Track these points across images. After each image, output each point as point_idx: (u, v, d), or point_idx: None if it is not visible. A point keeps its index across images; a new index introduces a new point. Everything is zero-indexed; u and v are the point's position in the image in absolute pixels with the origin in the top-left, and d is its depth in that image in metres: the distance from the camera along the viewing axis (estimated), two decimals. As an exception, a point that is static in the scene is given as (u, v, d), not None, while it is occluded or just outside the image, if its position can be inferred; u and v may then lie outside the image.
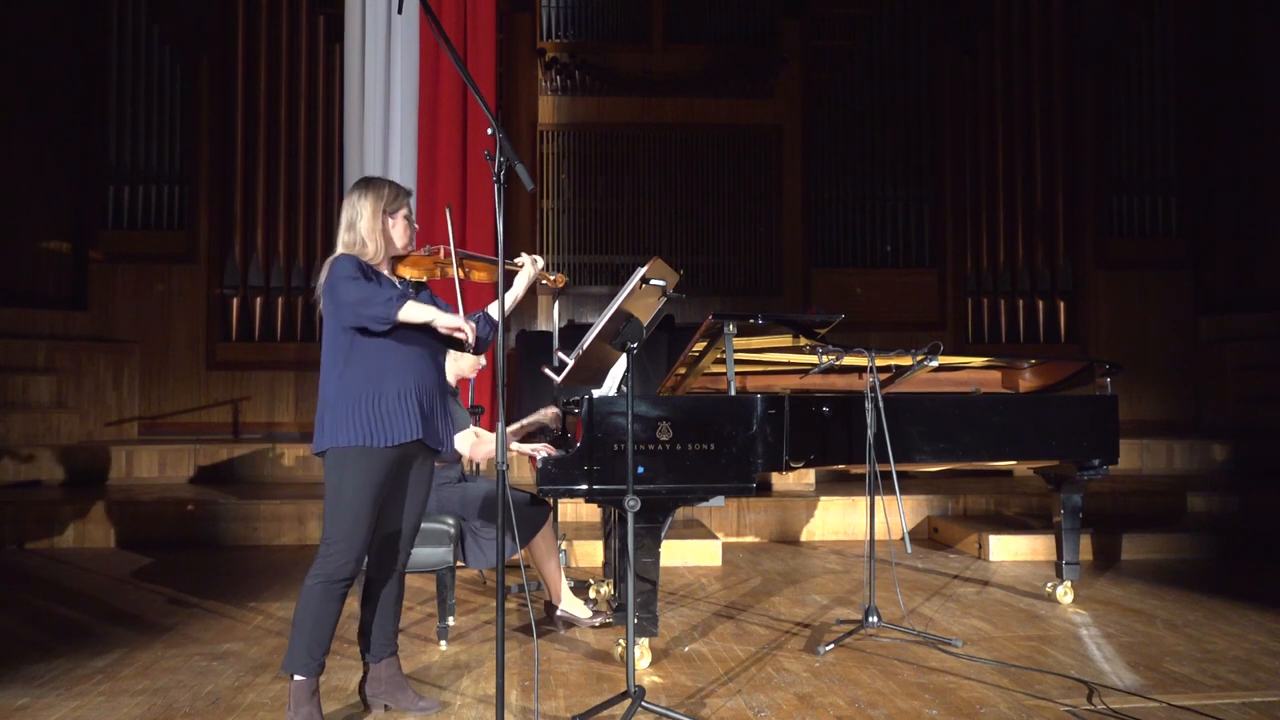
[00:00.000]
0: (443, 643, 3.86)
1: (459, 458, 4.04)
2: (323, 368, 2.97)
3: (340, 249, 3.02)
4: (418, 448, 3.03)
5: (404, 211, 3.07)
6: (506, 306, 3.19)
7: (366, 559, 3.10)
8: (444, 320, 2.94)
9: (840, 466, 3.99)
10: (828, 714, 3.09)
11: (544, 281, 3.26)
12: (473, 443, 3.88)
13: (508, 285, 3.17)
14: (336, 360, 2.94)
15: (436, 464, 3.90)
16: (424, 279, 3.14)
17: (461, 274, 3.13)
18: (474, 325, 3.01)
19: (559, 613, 4.12)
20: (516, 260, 3.18)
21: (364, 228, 3.00)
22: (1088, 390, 4.44)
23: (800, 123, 9.48)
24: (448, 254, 3.11)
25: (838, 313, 3.93)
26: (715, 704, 3.18)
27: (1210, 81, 9.24)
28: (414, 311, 2.89)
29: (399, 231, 3.06)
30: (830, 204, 9.44)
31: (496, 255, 2.79)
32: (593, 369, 3.60)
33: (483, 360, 4.13)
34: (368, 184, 3.09)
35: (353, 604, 3.22)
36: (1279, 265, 8.52)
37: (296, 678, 2.89)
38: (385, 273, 3.07)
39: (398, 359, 2.94)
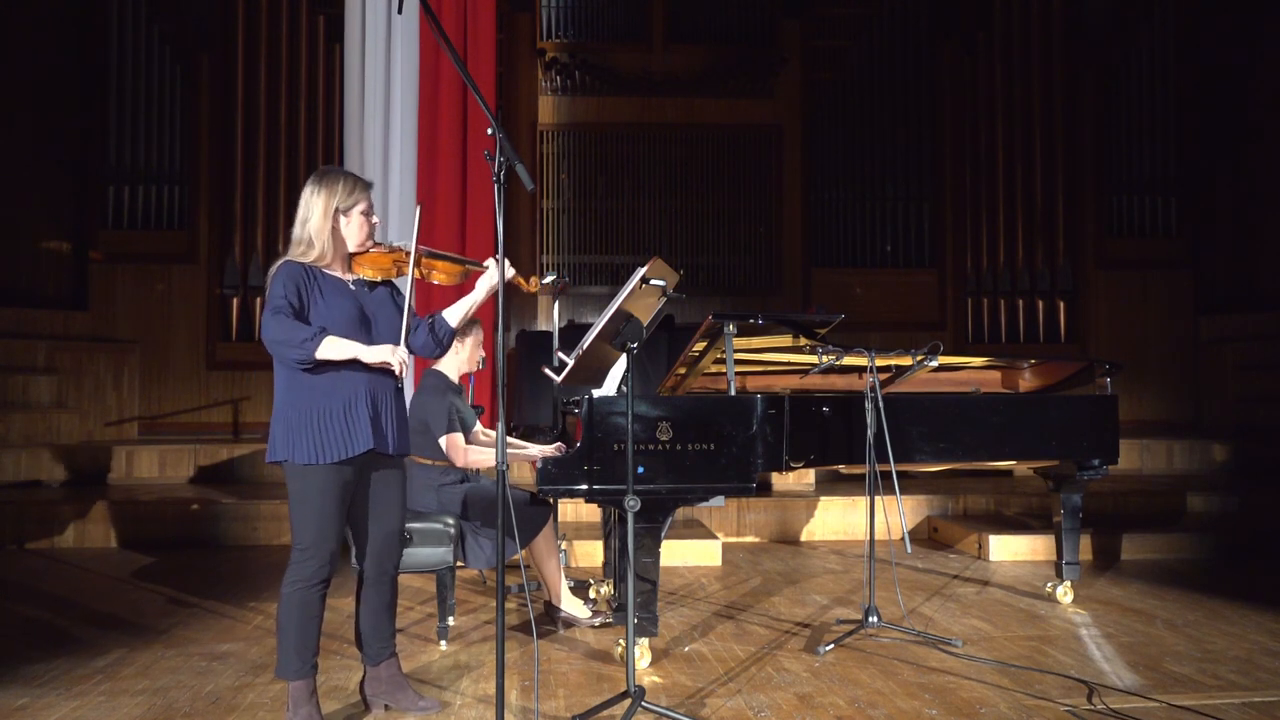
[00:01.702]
0: (443, 643, 3.86)
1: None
2: (275, 372, 2.87)
3: (289, 249, 2.91)
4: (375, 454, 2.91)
5: (360, 207, 2.92)
6: (464, 313, 3.07)
7: (357, 563, 3.09)
8: (369, 355, 2.80)
9: (840, 467, 3.98)
10: (828, 714, 3.09)
11: (521, 286, 3.10)
12: (460, 452, 3.86)
13: (469, 289, 3.07)
14: (282, 368, 2.84)
15: (436, 463, 3.91)
16: (379, 279, 3.00)
17: (420, 274, 2.98)
18: (403, 356, 2.83)
19: (559, 613, 4.12)
20: (484, 263, 3.04)
21: (313, 227, 2.88)
22: (1088, 390, 4.45)
23: (800, 123, 9.48)
24: (409, 253, 2.93)
25: (838, 313, 3.94)
26: (715, 704, 3.18)
27: (1210, 81, 9.24)
28: (333, 349, 2.75)
29: (353, 230, 2.92)
30: (830, 204, 9.44)
31: (497, 255, 2.76)
32: (593, 369, 3.59)
33: (481, 355, 4.12)
34: (321, 178, 2.93)
35: (350, 605, 3.22)
36: (1279, 265, 8.52)
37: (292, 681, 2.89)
38: (337, 272, 2.93)
39: (345, 366, 2.81)
